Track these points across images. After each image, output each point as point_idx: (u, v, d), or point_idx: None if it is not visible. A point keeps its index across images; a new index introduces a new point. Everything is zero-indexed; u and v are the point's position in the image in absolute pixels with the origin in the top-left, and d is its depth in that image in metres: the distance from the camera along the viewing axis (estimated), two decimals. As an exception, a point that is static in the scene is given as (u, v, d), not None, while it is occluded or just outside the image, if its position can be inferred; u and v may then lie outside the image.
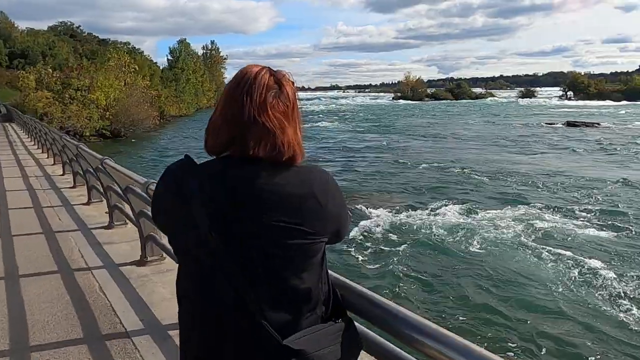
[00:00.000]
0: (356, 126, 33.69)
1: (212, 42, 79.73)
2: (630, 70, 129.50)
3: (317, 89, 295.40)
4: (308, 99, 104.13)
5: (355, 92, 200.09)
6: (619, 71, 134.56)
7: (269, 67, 1.14)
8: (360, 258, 7.45)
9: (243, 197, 1.04)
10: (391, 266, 7.00)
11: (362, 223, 9.18)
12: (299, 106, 1.13)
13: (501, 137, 25.07)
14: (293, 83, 1.14)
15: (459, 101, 79.67)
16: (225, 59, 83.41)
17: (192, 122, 41.59)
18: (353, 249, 7.78)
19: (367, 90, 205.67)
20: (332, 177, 1.15)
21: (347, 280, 1.33)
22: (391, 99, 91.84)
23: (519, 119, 38.32)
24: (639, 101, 61.77)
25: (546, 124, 33.24)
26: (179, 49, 63.18)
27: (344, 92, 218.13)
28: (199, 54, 71.47)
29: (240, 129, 1.05)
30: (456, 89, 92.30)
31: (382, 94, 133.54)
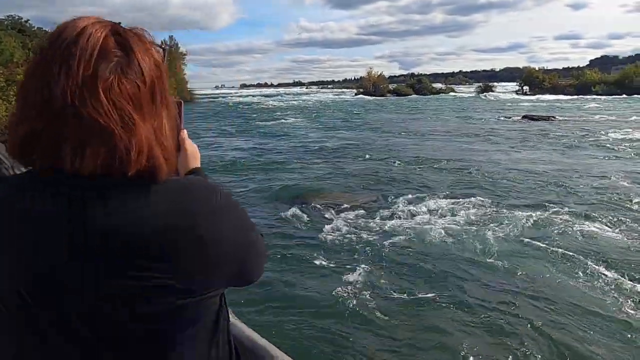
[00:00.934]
0: (324, 123, 33.46)
1: (171, 37, 77.43)
2: (581, 66, 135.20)
3: (280, 85, 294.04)
4: (271, 96, 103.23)
5: (319, 88, 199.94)
6: (570, 66, 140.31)
7: (111, 22, 0.68)
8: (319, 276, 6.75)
9: (71, 237, 0.63)
10: (353, 293, 6.14)
11: (327, 228, 8.83)
12: (166, 86, 0.69)
13: (468, 132, 25.46)
14: (164, 49, 0.71)
15: (420, 96, 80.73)
16: (185, 54, 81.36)
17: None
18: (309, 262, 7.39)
19: (330, 86, 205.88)
20: (225, 192, 0.74)
21: (258, 338, 0.94)
22: (354, 94, 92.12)
23: (481, 114, 39.11)
24: (590, 95, 64.42)
25: (506, 117, 34.02)
26: (136, 44, 60.94)
27: (307, 88, 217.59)
28: (157, 49, 69.12)
29: (48, 123, 0.62)
30: (417, 85, 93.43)
31: (345, 89, 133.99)
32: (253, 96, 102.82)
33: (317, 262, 7.03)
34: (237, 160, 17.18)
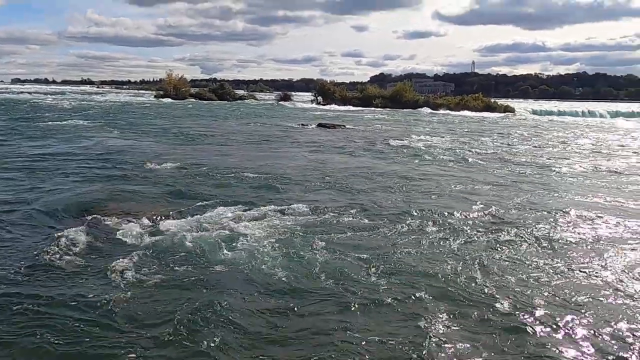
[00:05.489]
0: (116, 126, 30.67)
1: None
2: (364, 81, 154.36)
3: (65, 82, 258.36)
4: (51, 93, 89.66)
5: (112, 87, 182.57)
6: (356, 81, 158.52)
7: None
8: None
9: None
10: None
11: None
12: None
13: (269, 138, 26.50)
14: None
15: (223, 102, 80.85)
16: None
17: None
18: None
19: (125, 87, 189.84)
20: None
21: None
22: (153, 97, 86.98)
23: (282, 120, 41.21)
24: (372, 107, 74.28)
25: (303, 125, 36.59)
26: None
27: (97, 87, 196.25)
28: None
29: None
30: (220, 90, 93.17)
31: (142, 91, 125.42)
32: (30, 93, 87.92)
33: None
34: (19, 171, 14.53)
